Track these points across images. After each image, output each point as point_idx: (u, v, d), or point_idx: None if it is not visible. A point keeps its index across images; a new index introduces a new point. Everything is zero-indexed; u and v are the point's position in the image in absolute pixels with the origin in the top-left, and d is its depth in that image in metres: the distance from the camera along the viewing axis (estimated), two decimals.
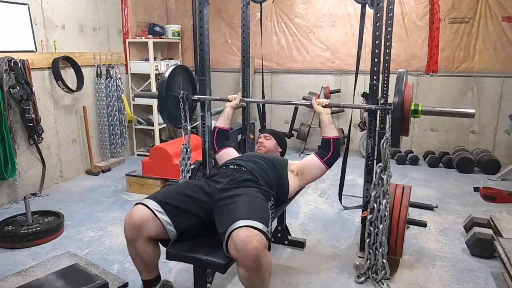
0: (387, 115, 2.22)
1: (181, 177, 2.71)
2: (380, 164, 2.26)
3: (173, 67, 2.58)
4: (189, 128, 2.67)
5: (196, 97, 2.70)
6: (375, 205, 2.28)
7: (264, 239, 1.65)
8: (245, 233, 1.62)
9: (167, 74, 2.52)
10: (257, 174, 2.19)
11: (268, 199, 2.07)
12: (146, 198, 1.93)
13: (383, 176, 2.25)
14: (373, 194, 2.29)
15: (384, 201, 2.25)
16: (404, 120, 2.12)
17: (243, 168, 2.20)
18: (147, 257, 1.91)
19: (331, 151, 2.32)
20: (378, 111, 2.64)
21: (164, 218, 1.84)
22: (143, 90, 5.28)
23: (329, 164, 2.36)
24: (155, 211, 1.84)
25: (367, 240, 2.36)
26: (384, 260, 2.33)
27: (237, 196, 1.92)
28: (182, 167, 2.70)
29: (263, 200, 2.00)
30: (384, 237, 2.28)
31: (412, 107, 2.15)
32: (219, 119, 2.69)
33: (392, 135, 2.13)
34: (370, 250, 2.36)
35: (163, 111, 2.57)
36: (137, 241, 1.86)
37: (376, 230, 2.30)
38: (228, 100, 2.67)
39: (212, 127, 2.72)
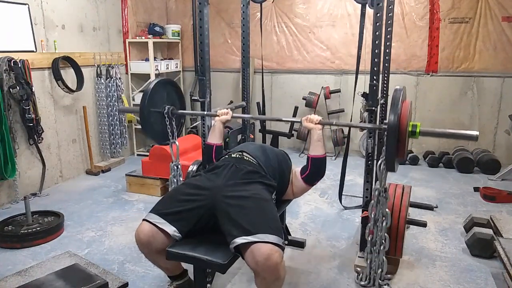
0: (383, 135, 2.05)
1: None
2: (378, 186, 2.14)
3: (156, 80, 2.46)
4: (177, 144, 2.57)
5: (181, 112, 2.59)
6: (374, 228, 2.21)
7: (282, 252, 1.75)
8: (267, 251, 1.68)
9: (149, 88, 2.39)
10: (260, 162, 2.16)
11: (271, 193, 2.09)
12: (149, 212, 1.95)
13: (381, 198, 2.15)
14: (372, 216, 2.23)
15: (384, 223, 2.17)
16: (401, 142, 1.91)
17: (246, 157, 2.17)
18: (163, 263, 2.03)
19: (308, 169, 2.21)
20: (378, 111, 2.63)
21: (168, 228, 1.88)
22: (143, 90, 5.28)
23: (307, 181, 2.25)
24: (158, 225, 1.89)
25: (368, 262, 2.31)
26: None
27: (245, 198, 1.89)
28: (173, 185, 2.64)
29: (270, 201, 2.01)
30: (384, 259, 2.22)
31: (410, 128, 1.92)
32: (212, 136, 2.48)
33: (387, 158, 1.93)
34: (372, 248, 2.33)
35: (146, 128, 2.46)
36: (150, 255, 1.97)
37: (375, 255, 2.23)
38: (217, 115, 2.52)
39: (205, 145, 2.57)
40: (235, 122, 4.96)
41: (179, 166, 2.64)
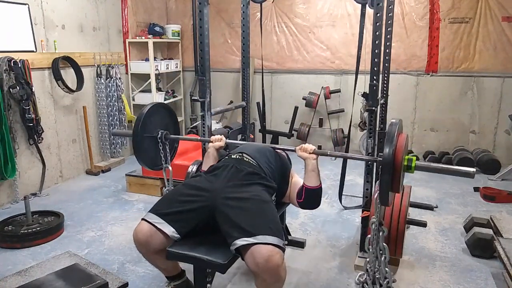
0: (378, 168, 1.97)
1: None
2: (374, 219, 2.05)
3: (150, 105, 2.40)
4: (170, 169, 2.52)
5: (174, 137, 2.53)
6: (368, 268, 2.13)
7: (282, 254, 1.74)
8: (267, 253, 1.67)
9: (143, 115, 2.33)
10: (260, 164, 2.15)
11: (271, 194, 2.08)
12: (148, 212, 1.95)
13: (380, 234, 2.07)
14: (370, 251, 2.20)
15: (383, 258, 2.08)
16: (395, 177, 1.86)
17: (245, 159, 2.16)
18: (161, 263, 2.03)
19: (302, 199, 2.15)
20: (378, 111, 2.63)
21: (167, 228, 1.87)
22: (143, 90, 5.28)
23: (301, 206, 2.22)
24: (157, 225, 1.88)
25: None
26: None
27: (245, 200, 1.89)
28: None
29: (271, 202, 2.01)
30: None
31: (405, 163, 1.88)
32: (206, 162, 2.40)
33: (381, 192, 1.88)
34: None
35: (139, 155, 2.39)
36: (148, 255, 1.97)
37: None
38: (211, 141, 2.45)
39: (196, 171, 2.53)
40: (235, 122, 4.96)
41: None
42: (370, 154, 2.51)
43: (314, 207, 2.22)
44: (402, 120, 2.03)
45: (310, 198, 2.15)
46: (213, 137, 2.46)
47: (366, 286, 2.31)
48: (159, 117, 2.49)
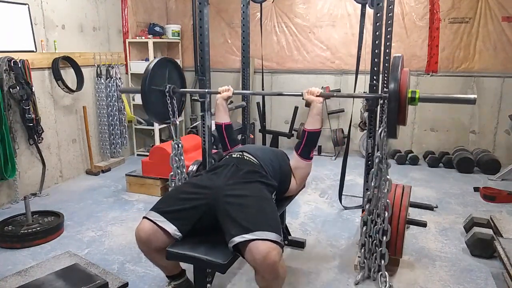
0: (383, 104, 2.10)
1: (173, 173, 2.67)
2: (378, 154, 2.18)
3: (157, 59, 2.49)
4: (177, 123, 2.61)
5: (183, 90, 2.63)
6: (374, 194, 2.22)
7: (281, 250, 1.74)
8: (265, 249, 1.67)
9: (150, 67, 2.41)
10: (261, 162, 2.17)
11: (271, 193, 2.09)
12: (150, 210, 1.95)
13: (382, 166, 2.17)
14: (372, 184, 2.24)
15: (385, 190, 2.18)
16: (401, 108, 1.98)
17: (246, 157, 2.18)
18: (163, 262, 2.01)
19: (303, 143, 2.27)
20: (378, 111, 2.63)
21: (168, 226, 1.87)
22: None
23: (303, 155, 2.31)
24: (158, 223, 1.88)
25: (364, 240, 2.31)
26: (383, 262, 2.30)
27: (244, 197, 1.90)
28: (174, 164, 2.65)
29: (271, 200, 2.02)
30: (384, 237, 2.24)
31: (409, 95, 2.01)
32: (218, 115, 2.55)
33: (389, 124, 2.00)
34: (368, 251, 2.33)
35: (147, 106, 2.47)
36: (150, 253, 1.96)
37: (375, 227, 2.26)
38: (219, 92, 2.56)
39: (214, 126, 2.61)
40: (235, 122, 4.95)
41: (180, 145, 2.65)
42: (370, 154, 2.51)
43: (314, 147, 2.32)
44: (403, 55, 2.12)
45: (312, 140, 2.27)
46: (220, 88, 2.54)
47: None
48: (167, 71, 2.54)
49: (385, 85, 3.22)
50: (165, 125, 5.42)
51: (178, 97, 2.62)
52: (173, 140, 2.64)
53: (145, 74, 2.41)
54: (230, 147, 2.53)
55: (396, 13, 4.71)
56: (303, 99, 2.35)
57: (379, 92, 2.53)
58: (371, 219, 2.29)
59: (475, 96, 1.96)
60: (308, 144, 2.29)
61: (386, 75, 3.22)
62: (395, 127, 1.99)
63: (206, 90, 2.66)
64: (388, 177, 2.20)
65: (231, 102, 5.58)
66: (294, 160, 2.36)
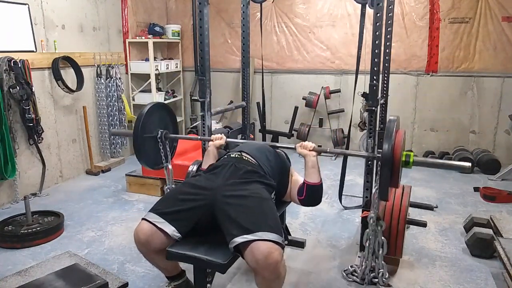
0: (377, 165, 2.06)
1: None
2: (372, 215, 2.14)
3: (150, 105, 2.43)
4: (170, 168, 2.55)
5: (174, 136, 2.57)
6: (364, 263, 2.23)
7: (282, 250, 1.73)
8: (267, 249, 1.67)
9: (143, 113, 2.37)
10: (260, 162, 2.16)
11: (270, 192, 2.08)
12: (149, 211, 1.95)
13: (377, 229, 2.15)
14: (366, 245, 2.22)
15: (380, 252, 2.17)
16: (394, 172, 1.94)
17: (245, 157, 2.17)
18: (162, 263, 2.02)
19: (304, 196, 2.18)
20: (378, 111, 2.63)
21: (167, 227, 1.87)
22: (143, 90, 5.28)
23: (302, 203, 2.26)
24: (157, 224, 1.88)
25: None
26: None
27: (244, 197, 1.89)
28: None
29: (270, 200, 2.01)
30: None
31: (403, 158, 1.95)
32: (206, 161, 2.42)
33: (381, 187, 1.95)
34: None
35: (139, 154, 2.42)
36: (149, 255, 1.96)
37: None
38: (211, 140, 2.50)
39: (196, 170, 2.55)
40: (235, 122, 4.96)
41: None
42: (370, 153, 2.50)
43: (315, 204, 2.25)
44: (399, 117, 2.06)
45: (311, 194, 2.19)
46: (213, 136, 2.49)
47: (352, 277, 2.34)
48: (158, 116, 2.51)
49: (384, 87, 3.22)
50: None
51: (170, 141, 2.58)
52: (166, 185, 2.60)
53: (137, 122, 2.36)
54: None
55: (396, 13, 4.71)
56: (297, 152, 2.29)
57: (378, 93, 2.52)
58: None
59: (470, 164, 1.92)
60: (309, 198, 2.20)
61: (386, 76, 3.22)
62: (387, 190, 1.96)
63: (199, 137, 2.64)
64: (383, 238, 2.18)
65: (231, 102, 5.60)
66: (294, 196, 2.27)
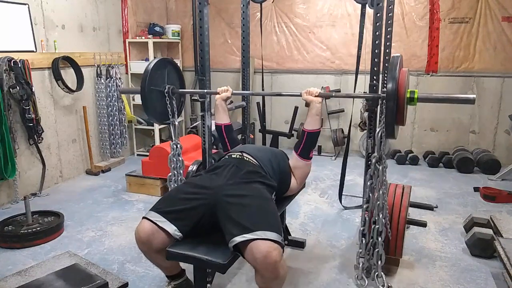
0: (382, 104, 2.08)
1: (171, 174, 2.66)
2: (375, 154, 2.16)
3: (156, 60, 2.50)
4: (177, 123, 2.61)
5: (181, 91, 2.64)
6: (370, 195, 2.23)
7: (281, 250, 1.73)
8: (266, 248, 1.67)
9: (149, 67, 2.42)
10: (261, 163, 2.17)
11: (271, 193, 2.09)
12: (150, 210, 1.95)
13: (378, 166, 2.16)
14: (368, 183, 2.23)
15: (381, 191, 2.17)
16: (399, 108, 1.96)
17: (246, 158, 2.18)
18: (162, 262, 2.01)
19: (302, 142, 2.28)
20: (378, 111, 2.63)
21: (168, 227, 1.87)
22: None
23: (303, 155, 2.31)
24: (158, 223, 1.88)
25: (363, 240, 2.31)
26: (380, 262, 2.30)
27: (245, 197, 1.90)
28: (172, 165, 2.66)
29: (271, 200, 2.02)
30: (381, 238, 2.23)
31: (408, 95, 1.99)
32: (218, 116, 2.57)
33: (387, 124, 1.98)
34: (367, 250, 2.33)
35: (147, 107, 2.48)
36: (150, 254, 1.96)
37: (374, 226, 2.26)
38: (218, 93, 2.57)
39: (214, 126, 2.63)
40: (235, 122, 4.95)
41: (179, 145, 2.65)
42: (370, 154, 2.50)
43: (313, 147, 2.34)
44: (402, 55, 2.10)
45: (311, 140, 2.28)
46: (219, 89, 2.55)
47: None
48: (165, 72, 2.55)
49: (384, 85, 3.22)
50: (165, 125, 5.44)
51: (177, 97, 2.63)
52: (172, 141, 2.64)
53: (144, 75, 2.42)
54: (230, 147, 2.54)
55: (396, 13, 4.71)
56: (303, 99, 2.35)
57: (378, 92, 2.53)
58: (369, 220, 2.29)
59: (474, 95, 1.93)
60: (307, 144, 2.30)
61: (386, 76, 3.22)
62: (394, 127, 1.97)
63: (205, 90, 2.66)
64: (385, 178, 2.19)
65: (231, 102, 5.60)
66: (294, 160, 2.37)
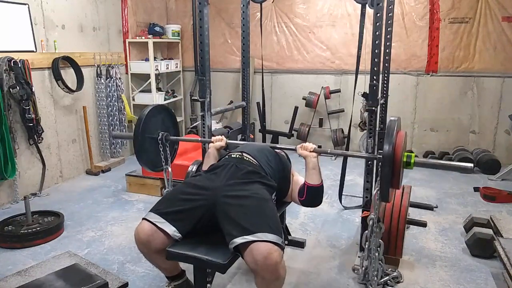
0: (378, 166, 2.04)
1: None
2: (372, 216, 2.11)
3: (151, 107, 2.43)
4: (170, 170, 2.54)
5: (175, 138, 2.56)
6: (364, 262, 2.21)
7: (281, 251, 1.73)
8: (266, 250, 1.67)
9: (144, 115, 2.36)
10: (261, 163, 2.16)
11: (271, 193, 2.08)
12: (149, 211, 1.94)
13: (376, 229, 2.13)
14: (366, 246, 2.19)
15: (377, 254, 2.14)
16: (395, 173, 1.92)
17: (246, 158, 2.17)
18: (162, 263, 2.02)
19: (304, 197, 2.18)
20: (378, 111, 2.63)
21: (168, 228, 1.87)
22: (143, 90, 5.28)
23: (303, 204, 2.26)
24: (158, 224, 1.88)
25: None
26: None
27: (244, 198, 1.89)
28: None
29: (271, 200, 2.01)
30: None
31: (405, 159, 1.94)
32: (206, 162, 2.41)
33: (381, 188, 1.93)
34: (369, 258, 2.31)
35: (140, 156, 2.41)
36: (149, 255, 1.96)
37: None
38: (212, 141, 2.49)
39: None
40: (235, 122, 4.96)
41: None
42: (370, 154, 2.51)
43: (316, 205, 2.25)
44: (400, 118, 2.05)
45: (312, 196, 2.18)
46: (214, 138, 2.48)
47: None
48: (159, 119, 2.50)
49: (384, 87, 3.22)
50: None
51: (171, 144, 2.56)
52: (165, 188, 2.58)
53: (138, 122, 2.37)
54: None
55: (396, 13, 4.71)
56: (298, 154, 2.27)
57: (378, 93, 2.52)
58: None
59: (472, 165, 1.90)
60: (309, 199, 2.20)
61: (386, 76, 3.22)
62: (388, 191, 1.94)
63: (200, 138, 2.63)
64: (380, 241, 2.15)
65: (231, 102, 5.60)
66: (295, 197, 2.28)
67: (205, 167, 2.38)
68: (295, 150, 2.28)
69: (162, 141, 2.47)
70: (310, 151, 2.21)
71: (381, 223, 2.16)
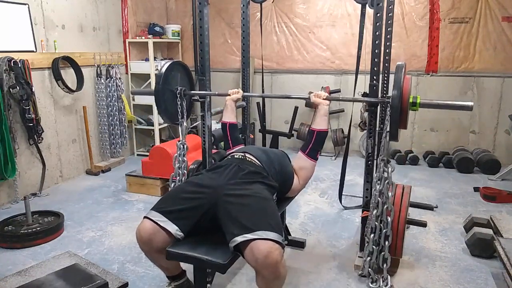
0: (386, 108, 2.20)
1: (175, 173, 2.67)
2: (383, 157, 2.23)
3: (170, 62, 2.59)
4: (185, 124, 2.67)
5: (193, 92, 2.70)
6: (379, 200, 2.25)
7: (282, 250, 1.73)
8: (267, 248, 1.67)
9: (164, 69, 2.51)
10: (263, 164, 2.18)
11: (272, 193, 2.09)
12: (151, 209, 1.94)
13: (386, 168, 2.22)
14: (377, 187, 2.26)
15: (390, 193, 2.25)
16: (403, 112, 2.12)
17: (248, 158, 2.19)
18: (163, 262, 2.01)
19: (312, 142, 2.33)
20: (378, 111, 2.63)
21: (170, 226, 1.87)
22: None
23: (311, 156, 2.35)
24: (160, 223, 1.87)
25: (371, 236, 2.31)
26: (385, 266, 2.31)
27: (245, 197, 1.90)
28: (177, 164, 2.66)
29: (271, 200, 2.02)
30: (390, 232, 2.27)
31: (411, 100, 2.15)
32: (225, 114, 2.64)
33: (391, 127, 2.13)
34: (374, 247, 2.33)
35: (160, 105, 2.56)
36: (151, 253, 1.96)
37: (382, 225, 2.28)
38: (228, 94, 2.67)
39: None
40: None
41: (185, 146, 2.67)
42: (370, 154, 2.51)
43: (321, 148, 2.41)
44: (406, 63, 2.27)
45: (320, 139, 2.38)
46: (230, 91, 2.68)
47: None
48: (178, 75, 2.64)
49: (384, 87, 3.22)
50: (164, 126, 5.44)
51: (188, 99, 2.70)
52: (179, 141, 2.67)
53: (159, 74, 2.54)
54: (232, 145, 2.57)
55: (396, 13, 4.71)
56: (308, 101, 2.48)
57: (379, 93, 2.53)
58: (374, 223, 2.29)
59: (472, 103, 2.07)
60: (316, 144, 2.36)
61: (386, 76, 3.22)
62: (397, 131, 2.12)
63: (216, 92, 2.73)
64: (392, 180, 2.24)
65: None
66: (301, 160, 2.38)
67: (224, 118, 2.63)
68: (309, 98, 2.47)
69: (181, 94, 2.60)
70: (323, 99, 2.45)
71: (390, 164, 2.26)
